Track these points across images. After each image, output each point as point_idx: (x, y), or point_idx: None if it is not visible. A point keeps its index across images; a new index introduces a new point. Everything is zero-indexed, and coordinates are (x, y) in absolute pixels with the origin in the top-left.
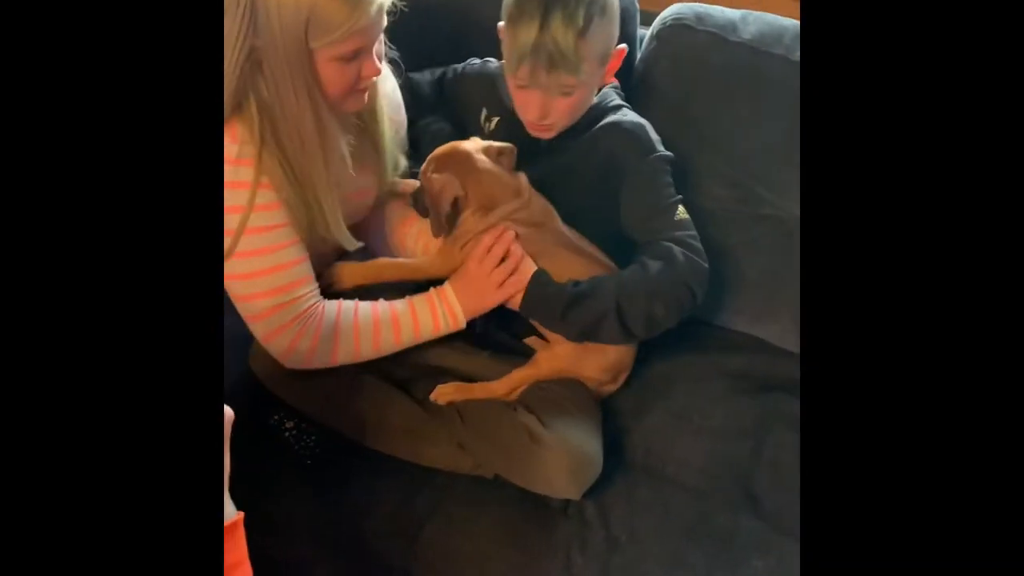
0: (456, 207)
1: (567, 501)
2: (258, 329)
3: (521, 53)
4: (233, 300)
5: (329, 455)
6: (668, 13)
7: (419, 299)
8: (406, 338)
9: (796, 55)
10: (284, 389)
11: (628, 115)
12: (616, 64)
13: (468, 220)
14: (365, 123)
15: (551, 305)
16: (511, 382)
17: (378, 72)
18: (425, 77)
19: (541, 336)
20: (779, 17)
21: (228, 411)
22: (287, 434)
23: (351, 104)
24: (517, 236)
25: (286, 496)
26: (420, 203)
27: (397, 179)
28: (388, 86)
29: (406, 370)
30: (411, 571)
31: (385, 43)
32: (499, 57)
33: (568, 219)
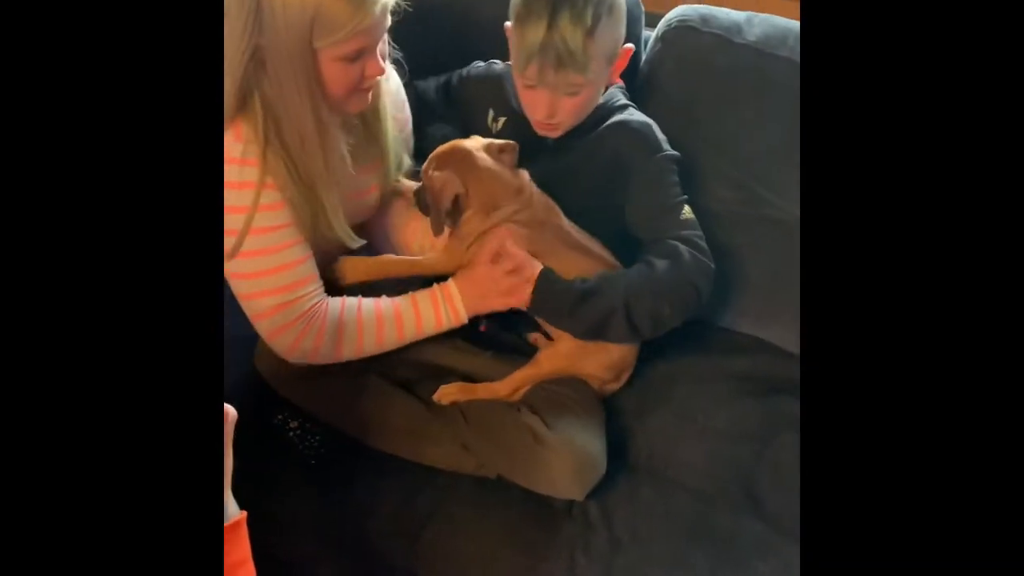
0: (457, 205)
1: (570, 502)
2: (263, 327)
3: (529, 52)
4: (238, 299)
5: (333, 455)
6: (673, 15)
7: (422, 295)
8: (409, 333)
9: None
10: (288, 389)
11: (635, 114)
12: (623, 63)
13: (471, 220)
14: (368, 122)
15: (559, 302)
16: (514, 382)
17: (382, 72)
18: (430, 84)
19: (546, 334)
20: (784, 19)
21: (231, 410)
22: (291, 434)
23: (355, 104)
24: (519, 236)
25: (290, 495)
26: (422, 201)
27: (401, 178)
28: (392, 85)
29: (410, 370)
30: (414, 571)
31: (389, 43)
32: (503, 58)
33: (574, 218)
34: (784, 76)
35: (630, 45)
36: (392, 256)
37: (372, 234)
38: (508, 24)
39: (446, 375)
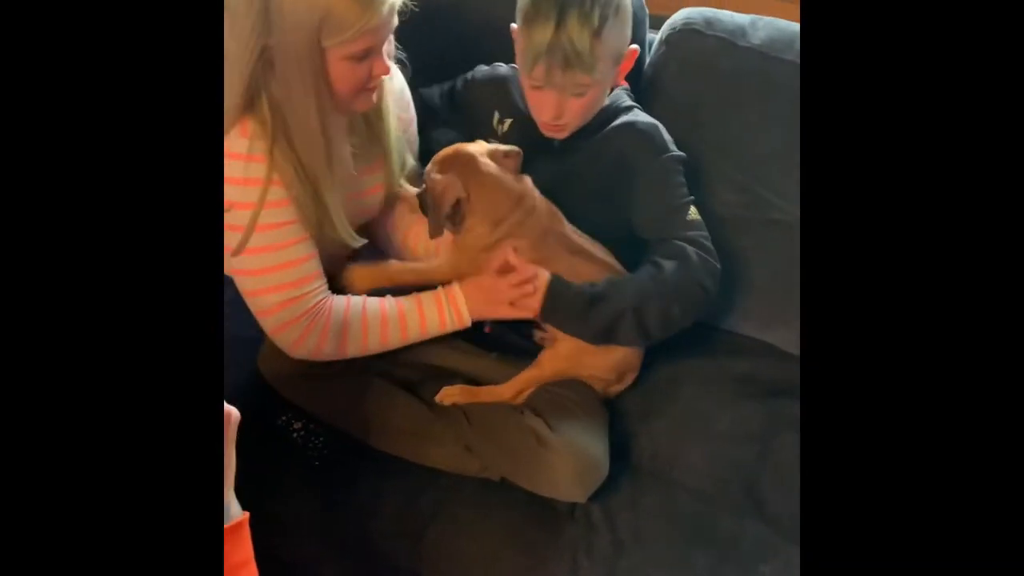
0: (458, 209)
1: (573, 504)
2: (267, 323)
3: (536, 53)
4: (243, 295)
5: (336, 456)
6: (677, 18)
7: (427, 296)
8: (413, 334)
9: None
10: (292, 390)
11: (640, 115)
12: (629, 65)
13: (475, 228)
14: (371, 122)
15: (569, 308)
16: (517, 385)
17: (388, 71)
18: (435, 91)
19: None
20: (789, 23)
21: (234, 412)
22: (295, 435)
23: (361, 103)
24: (523, 249)
25: (293, 497)
26: (424, 203)
27: (404, 183)
28: (396, 85)
29: (413, 372)
30: (417, 572)
31: (395, 45)
32: (508, 60)
33: (580, 218)
34: (788, 79)
35: (636, 46)
36: (399, 265)
37: (375, 235)
38: (514, 26)
39: (450, 377)
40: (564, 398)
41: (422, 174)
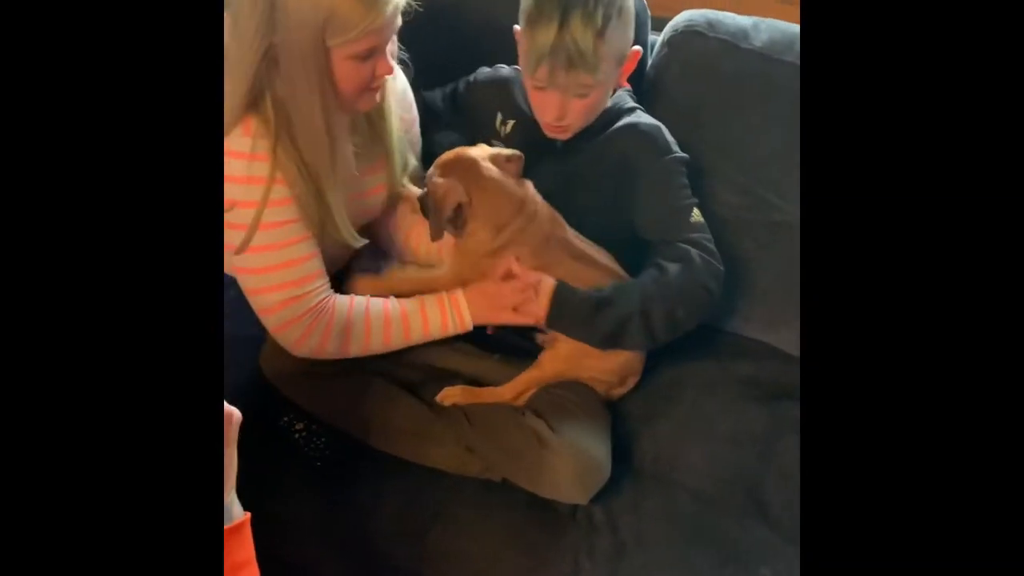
0: (459, 213)
1: (575, 506)
2: (269, 322)
3: (540, 53)
4: (245, 293)
5: (338, 457)
6: (680, 19)
7: (430, 299)
8: (415, 335)
9: None
10: (294, 391)
11: (643, 117)
12: (631, 66)
13: (477, 234)
14: (373, 122)
15: (576, 313)
16: (517, 386)
17: (391, 71)
18: (437, 94)
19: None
20: (791, 24)
21: (236, 412)
22: (297, 436)
23: (364, 103)
24: (525, 256)
25: (295, 497)
26: (426, 207)
27: (407, 183)
28: (399, 85)
29: (415, 372)
30: (418, 573)
31: (398, 46)
32: (509, 61)
33: (582, 219)
34: (790, 81)
35: (638, 47)
36: (402, 274)
37: (377, 235)
38: (517, 28)
39: (451, 378)
40: (566, 400)
41: (424, 175)
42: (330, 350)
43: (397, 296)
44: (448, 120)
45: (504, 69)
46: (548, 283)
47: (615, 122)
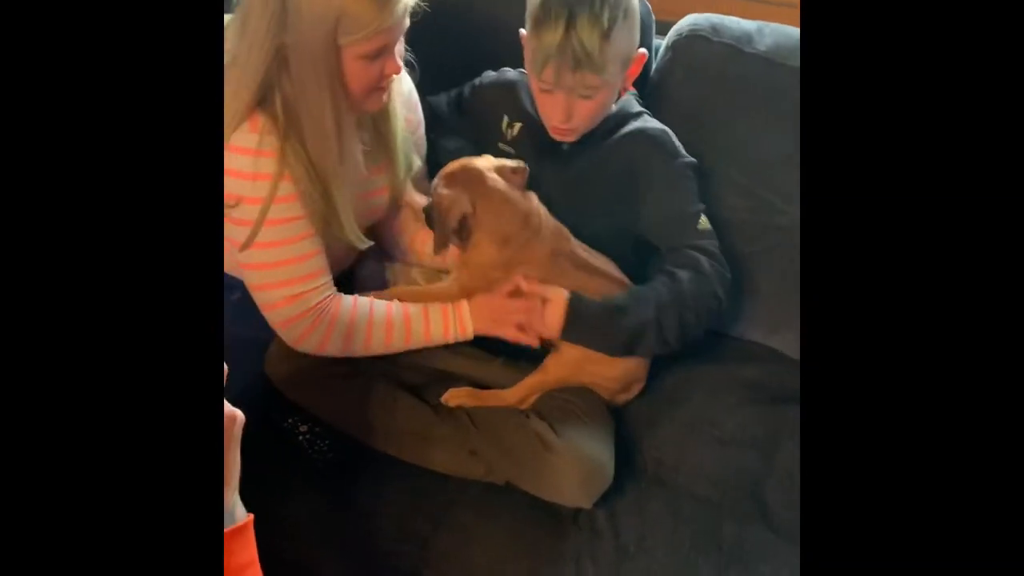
0: (465, 224)
1: (578, 510)
2: (272, 317)
3: (546, 54)
4: (249, 289)
5: (342, 459)
6: (684, 24)
7: (433, 306)
8: (416, 340)
9: None
10: (298, 393)
11: (651, 121)
12: (637, 69)
13: (483, 245)
14: (378, 122)
15: (592, 322)
16: (522, 390)
17: (399, 70)
18: (442, 99)
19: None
20: (795, 29)
21: (239, 414)
22: (301, 438)
23: (372, 103)
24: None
25: (298, 499)
26: (430, 217)
27: (412, 190)
28: (405, 87)
29: (419, 375)
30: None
31: (406, 47)
32: (515, 64)
33: (587, 223)
34: (794, 85)
35: (644, 51)
36: (405, 288)
37: (382, 237)
38: (523, 32)
39: (456, 380)
40: (570, 403)
41: (429, 176)
42: (331, 348)
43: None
44: (453, 125)
45: (510, 72)
46: (562, 295)
47: (622, 126)
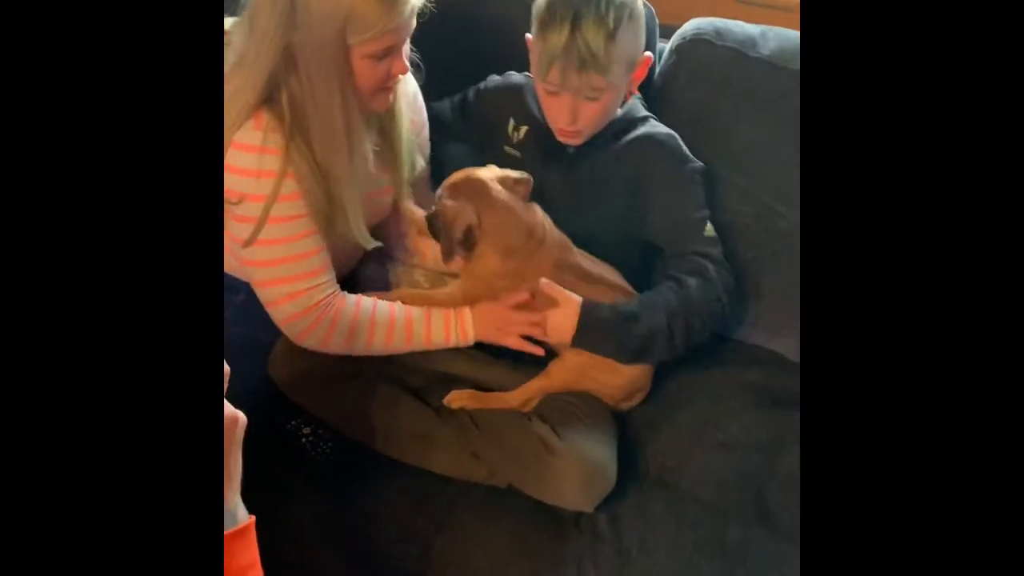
0: (470, 235)
1: (580, 513)
2: (275, 314)
3: (552, 55)
4: (252, 285)
5: (345, 462)
6: (688, 28)
7: (436, 311)
8: (417, 343)
9: None
10: (302, 395)
11: (658, 126)
12: (642, 72)
13: (487, 256)
14: (383, 123)
15: (603, 329)
16: (525, 393)
17: (406, 70)
18: (445, 104)
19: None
20: (799, 33)
21: (241, 416)
22: (304, 440)
23: (378, 102)
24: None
25: (301, 501)
26: (434, 227)
27: (411, 204)
28: (410, 88)
29: (422, 378)
30: None
31: (411, 47)
32: (519, 68)
33: (591, 226)
34: (797, 90)
35: (649, 54)
36: (408, 292)
37: (388, 237)
38: (529, 36)
39: (459, 383)
40: (573, 406)
41: (432, 178)
42: (334, 345)
43: None
44: (457, 130)
45: (515, 76)
46: (574, 300)
47: (628, 130)
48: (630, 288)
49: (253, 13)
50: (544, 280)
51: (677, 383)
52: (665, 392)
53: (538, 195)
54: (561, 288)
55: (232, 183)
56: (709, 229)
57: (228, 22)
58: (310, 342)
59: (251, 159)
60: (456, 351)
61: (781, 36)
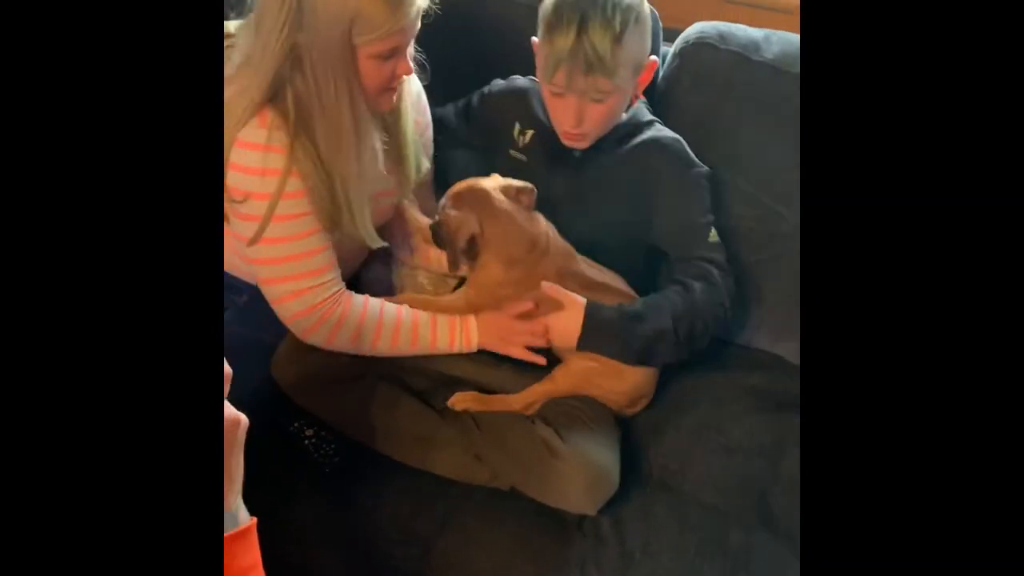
0: (473, 244)
1: (582, 516)
2: (281, 311)
3: (558, 58)
4: (258, 284)
5: (347, 463)
6: (691, 31)
7: (441, 317)
8: (422, 346)
9: None
10: (305, 397)
11: (664, 130)
12: (648, 76)
13: (490, 265)
14: (388, 123)
15: (609, 330)
16: (529, 397)
17: (411, 71)
18: (449, 109)
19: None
20: None
21: (243, 417)
22: (306, 442)
23: (382, 103)
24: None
25: (303, 503)
26: (438, 236)
27: (415, 211)
28: (415, 89)
29: (425, 380)
30: None
31: (416, 48)
32: (524, 71)
33: (598, 230)
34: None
35: (655, 58)
36: (414, 296)
37: (393, 237)
38: (535, 39)
39: (462, 385)
40: (576, 409)
41: (435, 179)
42: (338, 344)
43: None
44: (462, 136)
45: (520, 80)
46: (578, 303)
47: (634, 135)
48: (635, 295)
49: (260, 14)
50: (548, 283)
51: (680, 387)
52: (668, 396)
53: (544, 199)
54: (565, 291)
55: (236, 181)
56: (713, 235)
57: (234, 24)
58: (315, 339)
59: (255, 157)
60: (461, 354)
61: (784, 40)
